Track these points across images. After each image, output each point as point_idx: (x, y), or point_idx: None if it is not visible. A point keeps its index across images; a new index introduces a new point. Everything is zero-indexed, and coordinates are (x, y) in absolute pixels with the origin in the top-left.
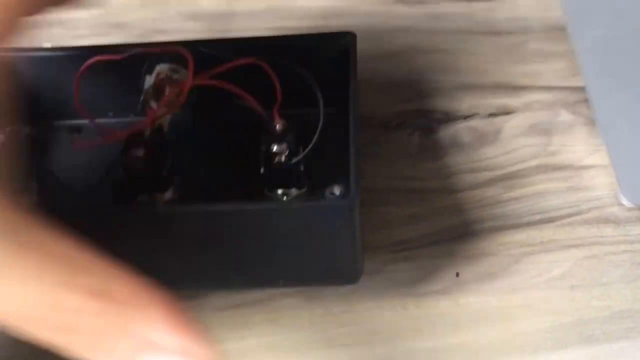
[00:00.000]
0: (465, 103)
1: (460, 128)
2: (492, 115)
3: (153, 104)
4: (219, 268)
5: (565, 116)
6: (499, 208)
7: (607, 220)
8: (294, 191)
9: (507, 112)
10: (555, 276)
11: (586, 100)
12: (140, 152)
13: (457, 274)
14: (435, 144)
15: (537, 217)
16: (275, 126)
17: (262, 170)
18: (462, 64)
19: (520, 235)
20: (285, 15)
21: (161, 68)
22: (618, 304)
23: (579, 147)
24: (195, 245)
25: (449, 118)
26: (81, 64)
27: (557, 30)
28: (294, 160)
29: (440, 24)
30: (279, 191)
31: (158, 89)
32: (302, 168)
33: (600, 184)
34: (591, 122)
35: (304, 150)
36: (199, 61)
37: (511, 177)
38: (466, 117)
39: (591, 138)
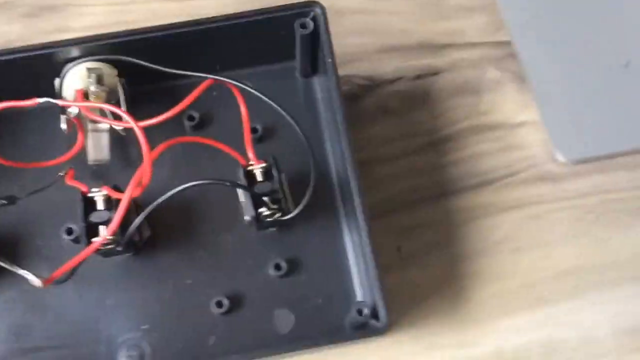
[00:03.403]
0: (390, 66)
1: (387, 93)
2: (418, 77)
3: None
4: None
5: (493, 73)
6: (436, 175)
7: (543, 178)
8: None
9: (433, 72)
10: (497, 240)
11: (513, 55)
12: None
13: (399, 248)
14: (362, 112)
15: (475, 180)
16: (255, 172)
17: (246, 218)
18: (382, 25)
19: (460, 201)
20: None
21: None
22: (562, 262)
23: (509, 104)
24: None
25: (374, 83)
26: None
27: None
28: (288, 217)
29: None
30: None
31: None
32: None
33: (533, 141)
34: (520, 78)
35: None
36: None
37: (445, 141)
38: (392, 81)
39: (520, 94)
